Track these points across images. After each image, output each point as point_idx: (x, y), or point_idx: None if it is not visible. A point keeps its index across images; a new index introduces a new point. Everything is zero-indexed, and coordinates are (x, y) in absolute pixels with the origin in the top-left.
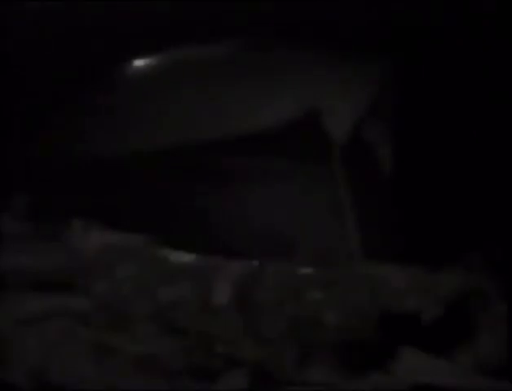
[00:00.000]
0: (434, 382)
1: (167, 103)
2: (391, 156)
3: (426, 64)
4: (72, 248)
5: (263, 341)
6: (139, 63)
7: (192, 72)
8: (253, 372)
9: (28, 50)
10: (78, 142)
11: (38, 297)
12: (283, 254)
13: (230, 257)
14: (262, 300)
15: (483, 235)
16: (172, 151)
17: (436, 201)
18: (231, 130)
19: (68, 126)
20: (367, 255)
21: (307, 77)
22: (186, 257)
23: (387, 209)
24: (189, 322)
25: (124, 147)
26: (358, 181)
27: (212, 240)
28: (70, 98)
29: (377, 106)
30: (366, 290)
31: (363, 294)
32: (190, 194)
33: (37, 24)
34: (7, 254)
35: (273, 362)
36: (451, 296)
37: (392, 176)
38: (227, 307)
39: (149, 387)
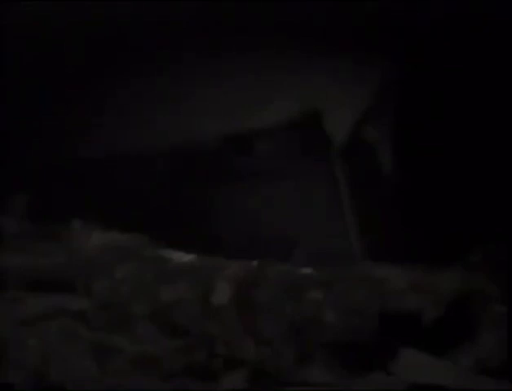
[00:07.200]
0: (434, 382)
1: (167, 103)
2: (391, 156)
3: (426, 64)
4: (72, 248)
5: (263, 341)
6: (135, 66)
7: (191, 72)
8: (253, 372)
9: (28, 49)
10: (79, 142)
11: (38, 297)
12: (283, 254)
13: (230, 256)
14: (262, 300)
15: (482, 235)
16: (172, 151)
17: (436, 201)
18: (230, 130)
19: (69, 126)
20: (367, 255)
21: (307, 78)
22: (186, 257)
23: (387, 209)
24: (189, 322)
25: (124, 148)
26: (358, 181)
27: (212, 240)
28: (70, 100)
29: (377, 106)
30: (366, 290)
31: (363, 294)
32: (190, 194)
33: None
34: (7, 254)
35: (273, 362)
36: (451, 296)
37: (392, 176)
38: (227, 307)
39: (149, 387)
